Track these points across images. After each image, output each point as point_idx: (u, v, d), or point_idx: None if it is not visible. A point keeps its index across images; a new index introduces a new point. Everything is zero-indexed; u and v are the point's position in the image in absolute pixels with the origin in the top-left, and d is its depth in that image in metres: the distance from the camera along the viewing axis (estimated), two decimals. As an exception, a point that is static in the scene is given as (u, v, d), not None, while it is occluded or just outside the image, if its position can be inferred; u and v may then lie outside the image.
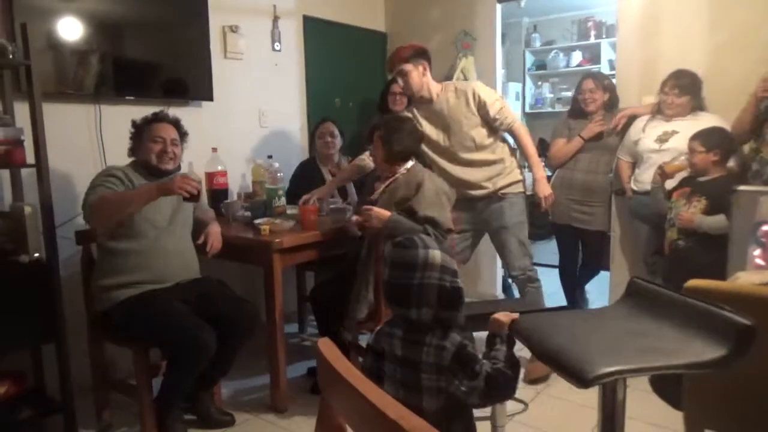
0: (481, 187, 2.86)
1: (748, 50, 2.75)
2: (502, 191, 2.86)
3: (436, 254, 1.34)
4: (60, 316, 2.23)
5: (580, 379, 1.14)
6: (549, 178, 3.42)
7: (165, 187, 2.09)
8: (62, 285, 2.25)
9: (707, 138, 2.55)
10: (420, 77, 2.77)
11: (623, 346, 1.26)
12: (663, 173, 2.66)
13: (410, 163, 2.51)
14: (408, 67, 2.74)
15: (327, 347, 0.92)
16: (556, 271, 3.55)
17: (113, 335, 2.29)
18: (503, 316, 1.41)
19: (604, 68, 5.29)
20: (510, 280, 3.49)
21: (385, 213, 2.35)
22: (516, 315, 1.42)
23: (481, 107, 2.76)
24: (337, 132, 3.23)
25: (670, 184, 2.70)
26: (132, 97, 2.81)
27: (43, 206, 2.20)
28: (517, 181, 2.91)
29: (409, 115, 2.84)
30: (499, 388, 1.31)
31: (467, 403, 1.33)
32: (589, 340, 1.28)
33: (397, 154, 2.46)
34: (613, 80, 3.32)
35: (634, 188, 3.03)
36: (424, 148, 2.80)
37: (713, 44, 2.70)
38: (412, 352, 1.33)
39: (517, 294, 3.34)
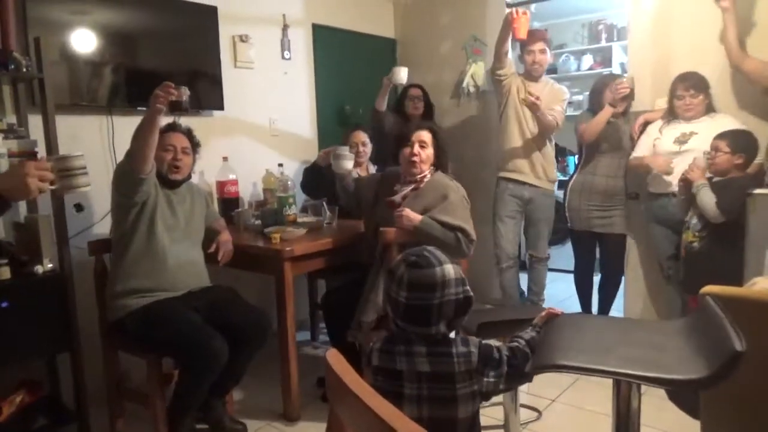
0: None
1: (762, 52, 2.71)
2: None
3: (449, 269, 1.34)
4: (74, 326, 2.25)
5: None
6: (567, 182, 3.41)
7: (152, 108, 2.06)
8: (76, 295, 2.27)
9: (734, 139, 2.52)
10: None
11: (612, 350, 1.26)
12: (687, 183, 2.62)
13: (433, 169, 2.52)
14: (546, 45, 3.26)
15: (335, 359, 0.91)
16: (571, 276, 3.53)
17: (126, 344, 2.30)
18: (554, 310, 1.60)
19: (616, 71, 5.24)
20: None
21: (417, 216, 2.35)
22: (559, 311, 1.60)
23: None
24: (367, 140, 3.24)
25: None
26: (144, 108, 2.82)
27: (57, 217, 2.23)
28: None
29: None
30: (518, 365, 1.36)
31: (497, 392, 1.36)
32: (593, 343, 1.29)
33: (444, 159, 2.54)
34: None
35: (651, 191, 3.00)
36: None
37: (722, 45, 2.67)
38: (444, 366, 1.32)
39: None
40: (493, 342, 1.40)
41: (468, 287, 1.36)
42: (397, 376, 1.34)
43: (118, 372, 2.42)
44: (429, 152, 2.48)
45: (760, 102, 2.73)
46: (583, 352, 1.31)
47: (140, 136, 2.11)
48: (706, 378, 1.13)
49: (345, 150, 2.78)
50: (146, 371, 2.18)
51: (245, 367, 2.33)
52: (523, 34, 3.00)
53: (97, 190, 2.56)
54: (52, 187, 1.50)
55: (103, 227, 2.66)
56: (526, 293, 3.75)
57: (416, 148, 2.46)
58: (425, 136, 2.48)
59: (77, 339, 2.26)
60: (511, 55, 3.36)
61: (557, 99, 3.32)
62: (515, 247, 3.48)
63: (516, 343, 1.44)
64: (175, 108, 2.09)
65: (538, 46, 3.26)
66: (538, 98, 3.04)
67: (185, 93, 2.10)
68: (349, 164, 2.63)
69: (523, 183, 3.34)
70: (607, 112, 3.04)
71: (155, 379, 2.17)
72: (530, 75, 3.35)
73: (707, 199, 2.43)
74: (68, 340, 2.23)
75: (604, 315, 3.27)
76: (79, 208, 2.24)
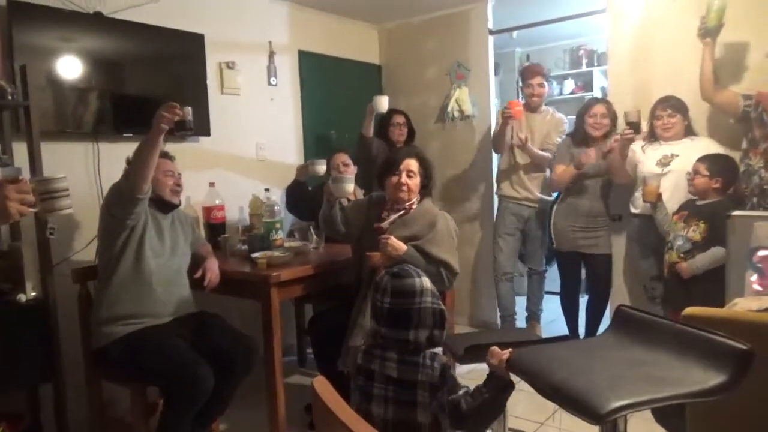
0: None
1: (735, 77, 2.79)
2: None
3: (426, 281, 1.52)
4: (57, 356, 2.22)
5: (593, 415, 1.12)
6: (552, 204, 3.47)
7: (156, 128, 2.05)
8: (59, 323, 2.24)
9: (713, 163, 2.58)
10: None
11: (627, 377, 1.25)
12: (645, 199, 2.72)
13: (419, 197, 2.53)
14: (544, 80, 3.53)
15: (322, 386, 0.92)
16: (558, 297, 3.55)
17: (110, 373, 2.27)
18: (497, 359, 1.44)
19: (597, 95, 5.35)
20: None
21: (402, 246, 2.35)
22: (506, 355, 1.43)
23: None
24: (349, 161, 3.28)
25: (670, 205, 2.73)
26: (130, 134, 2.83)
27: (41, 245, 2.21)
28: None
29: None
30: (467, 408, 1.42)
31: (446, 414, 1.44)
32: (592, 373, 1.27)
33: (431, 187, 2.56)
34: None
35: (633, 212, 3.04)
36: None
37: (699, 71, 2.75)
38: (409, 373, 1.46)
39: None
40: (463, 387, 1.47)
41: (440, 302, 1.51)
42: (370, 376, 1.51)
43: (101, 402, 2.38)
44: (416, 181, 2.49)
45: (731, 128, 2.80)
46: (609, 386, 1.20)
47: (142, 156, 2.11)
48: (727, 381, 1.15)
49: (323, 162, 2.94)
50: (130, 400, 2.15)
51: (232, 394, 2.30)
52: (521, 116, 3.39)
53: (83, 217, 2.56)
54: (33, 210, 1.49)
55: (86, 254, 2.64)
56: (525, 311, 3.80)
57: (404, 178, 2.45)
58: (413, 165, 2.48)
59: (60, 369, 2.22)
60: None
61: (557, 129, 3.54)
62: (512, 262, 3.68)
63: (476, 402, 1.43)
64: (180, 128, 2.12)
65: (537, 80, 3.50)
66: (525, 138, 3.40)
67: (189, 113, 2.12)
68: (349, 187, 2.61)
69: (523, 203, 3.56)
70: (574, 173, 3.19)
71: (140, 408, 2.14)
72: (529, 106, 3.56)
73: (713, 256, 2.46)
74: (51, 370, 2.20)
75: (591, 336, 3.29)
76: (52, 231, 2.21)
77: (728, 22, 2.61)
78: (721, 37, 2.68)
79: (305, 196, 3.27)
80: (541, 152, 3.46)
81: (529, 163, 3.54)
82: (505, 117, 3.34)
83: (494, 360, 1.43)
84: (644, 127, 3.03)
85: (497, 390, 1.42)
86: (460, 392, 1.44)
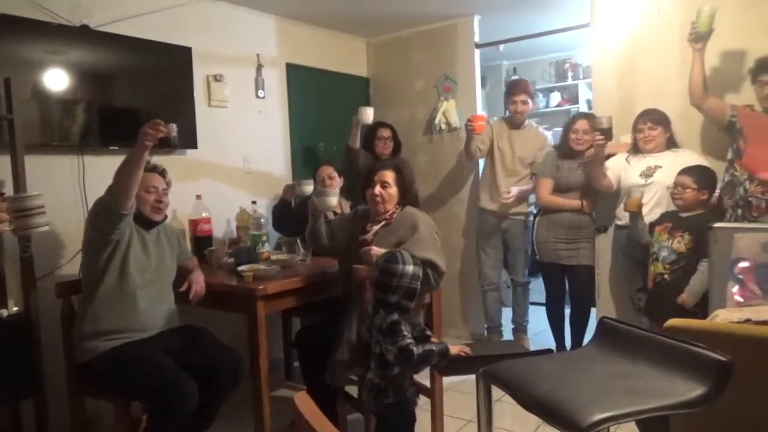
0: None
1: (715, 91, 2.84)
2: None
3: (409, 269, 1.98)
4: (39, 371, 2.19)
5: (576, 428, 1.13)
6: (535, 216, 3.51)
7: (140, 144, 2.05)
8: (42, 338, 2.22)
9: (701, 176, 2.60)
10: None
11: (610, 389, 1.25)
12: (626, 209, 2.75)
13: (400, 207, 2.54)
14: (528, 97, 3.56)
15: (303, 402, 0.91)
16: (543, 309, 3.57)
17: (94, 388, 2.24)
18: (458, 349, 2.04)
19: (583, 108, 5.42)
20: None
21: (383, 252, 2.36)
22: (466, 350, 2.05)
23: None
24: (335, 173, 3.28)
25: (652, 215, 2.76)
26: (116, 147, 2.82)
27: (23, 260, 2.19)
28: None
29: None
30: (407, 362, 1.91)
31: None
32: (575, 385, 1.28)
33: (410, 197, 2.55)
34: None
35: (618, 223, 3.07)
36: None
37: (684, 84, 2.79)
38: (382, 322, 1.96)
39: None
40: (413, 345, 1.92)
41: (418, 284, 2.00)
42: (371, 328, 2.02)
43: (84, 418, 2.34)
44: (392, 191, 2.50)
45: (717, 139, 2.84)
46: (592, 399, 1.22)
47: (126, 172, 2.10)
48: (708, 393, 1.17)
49: (310, 183, 2.88)
50: (114, 416, 2.12)
51: (218, 409, 2.28)
52: (482, 131, 3.49)
53: (68, 231, 2.54)
54: (8, 228, 1.48)
55: (70, 268, 2.62)
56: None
57: (377, 189, 2.49)
58: (387, 175, 2.51)
59: (43, 385, 2.20)
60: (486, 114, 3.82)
61: (542, 146, 3.59)
62: (497, 272, 3.75)
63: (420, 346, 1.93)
64: (165, 144, 2.13)
65: (521, 97, 3.55)
66: (508, 195, 3.50)
67: (173, 129, 2.14)
68: (333, 201, 2.63)
69: (502, 215, 3.60)
70: (569, 205, 3.31)
71: (123, 424, 2.11)
72: (513, 123, 3.62)
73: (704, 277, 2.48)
74: (33, 385, 2.17)
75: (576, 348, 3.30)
76: (26, 249, 2.19)
77: (720, 31, 2.64)
78: (713, 46, 2.71)
79: (292, 215, 3.25)
80: (523, 188, 3.55)
81: (507, 170, 3.58)
82: (468, 131, 3.43)
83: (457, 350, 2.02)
84: (628, 139, 3.08)
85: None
86: (396, 345, 1.89)
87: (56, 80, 2.62)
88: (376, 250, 2.37)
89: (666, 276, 2.60)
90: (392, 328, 1.92)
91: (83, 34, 2.72)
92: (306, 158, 3.98)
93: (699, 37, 2.64)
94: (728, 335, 1.51)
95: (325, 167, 3.30)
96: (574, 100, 5.71)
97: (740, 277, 1.97)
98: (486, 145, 3.63)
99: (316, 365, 2.48)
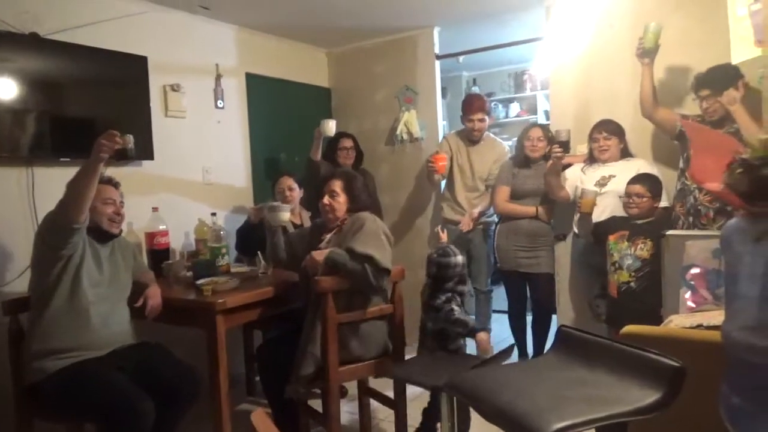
0: None
1: (666, 103, 2.93)
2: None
3: (459, 259, 2.42)
4: (-16, 394, 2.08)
5: None
6: (496, 224, 3.54)
7: (95, 156, 2.00)
8: (-13, 359, 2.12)
9: (652, 184, 2.68)
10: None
11: (568, 397, 1.27)
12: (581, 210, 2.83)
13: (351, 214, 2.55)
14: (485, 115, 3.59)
15: (260, 420, 0.89)
16: (506, 316, 3.60)
17: (44, 411, 2.15)
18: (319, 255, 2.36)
19: (541, 119, 5.53)
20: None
21: (322, 253, 2.38)
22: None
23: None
24: (295, 185, 3.26)
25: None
26: (68, 159, 2.73)
27: (-32, 276, 2.09)
28: None
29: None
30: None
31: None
32: (534, 394, 1.29)
33: (361, 204, 2.56)
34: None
35: (576, 231, 3.13)
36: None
37: (635, 96, 2.88)
38: (433, 298, 2.39)
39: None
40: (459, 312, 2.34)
41: (465, 271, 2.52)
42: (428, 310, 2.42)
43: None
44: (340, 200, 2.53)
45: (668, 148, 2.94)
46: (550, 408, 1.23)
47: (79, 185, 2.04)
48: (662, 398, 1.20)
49: (277, 203, 2.77)
50: (65, 439, 2.04)
51: (176, 427, 2.21)
52: (444, 170, 3.51)
53: (16, 246, 2.45)
54: None
55: (19, 285, 2.51)
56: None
57: (326, 199, 2.54)
58: (335, 185, 2.55)
59: (-13, 408, 2.09)
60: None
61: (498, 157, 3.60)
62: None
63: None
64: (122, 156, 2.11)
65: (478, 116, 3.56)
66: (469, 222, 3.52)
67: (130, 141, 2.12)
68: (285, 215, 2.62)
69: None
70: (525, 212, 3.35)
71: (75, 447, 2.03)
72: (470, 139, 3.65)
73: None
74: (-23, 409, 2.06)
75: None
76: None
77: (666, 47, 2.73)
78: (661, 61, 2.81)
79: (255, 240, 3.00)
80: (481, 209, 3.57)
81: (467, 186, 3.63)
82: (430, 171, 3.49)
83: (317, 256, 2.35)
84: (584, 149, 3.16)
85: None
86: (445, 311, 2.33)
87: (4, 89, 2.52)
88: (317, 254, 2.39)
89: (632, 284, 2.62)
90: (446, 308, 2.33)
91: (33, 42, 2.63)
92: (267, 169, 3.94)
93: (646, 53, 2.73)
94: (681, 341, 1.55)
95: (285, 179, 3.27)
96: (533, 110, 5.83)
97: (692, 283, 2.03)
98: (446, 162, 3.62)
99: (277, 380, 2.44)
